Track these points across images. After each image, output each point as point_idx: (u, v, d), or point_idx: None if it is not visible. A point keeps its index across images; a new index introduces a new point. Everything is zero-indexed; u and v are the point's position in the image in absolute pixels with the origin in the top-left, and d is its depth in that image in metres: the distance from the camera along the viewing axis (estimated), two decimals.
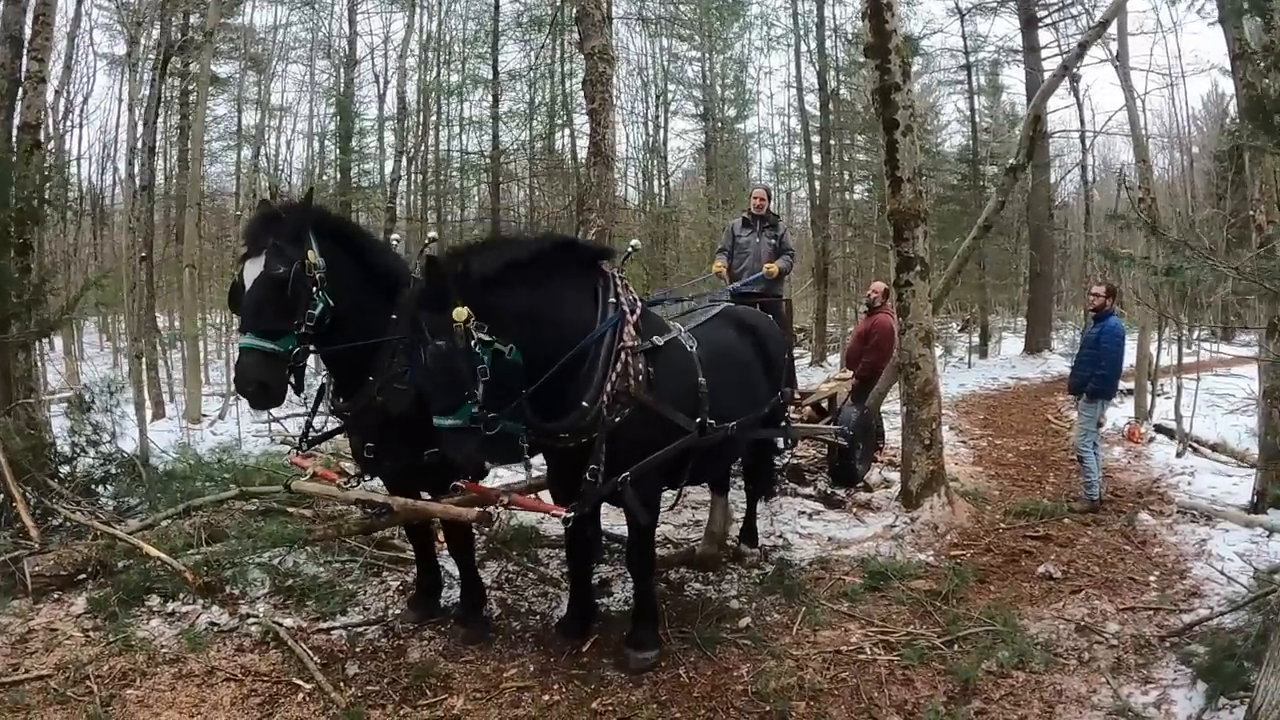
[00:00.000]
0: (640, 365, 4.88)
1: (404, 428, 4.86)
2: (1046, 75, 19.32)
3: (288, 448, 6.57)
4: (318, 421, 5.79)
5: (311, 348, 4.80)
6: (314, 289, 4.68)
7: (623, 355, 4.81)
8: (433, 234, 5.95)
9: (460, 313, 4.20)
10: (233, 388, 4.89)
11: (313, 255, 4.69)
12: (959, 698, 4.86)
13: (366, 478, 5.42)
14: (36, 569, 5.84)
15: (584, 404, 4.70)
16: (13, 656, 5.07)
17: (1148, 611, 6.02)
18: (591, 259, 5.16)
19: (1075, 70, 17.02)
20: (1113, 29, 13.67)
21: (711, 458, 5.68)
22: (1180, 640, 5.42)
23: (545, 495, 5.72)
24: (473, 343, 4.26)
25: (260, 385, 4.54)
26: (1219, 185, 21.57)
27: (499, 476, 6.81)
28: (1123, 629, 5.68)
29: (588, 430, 4.75)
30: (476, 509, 4.91)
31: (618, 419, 4.76)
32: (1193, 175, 27.68)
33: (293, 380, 4.76)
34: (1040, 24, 24.86)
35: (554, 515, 4.94)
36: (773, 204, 9.87)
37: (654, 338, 5.05)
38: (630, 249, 6.05)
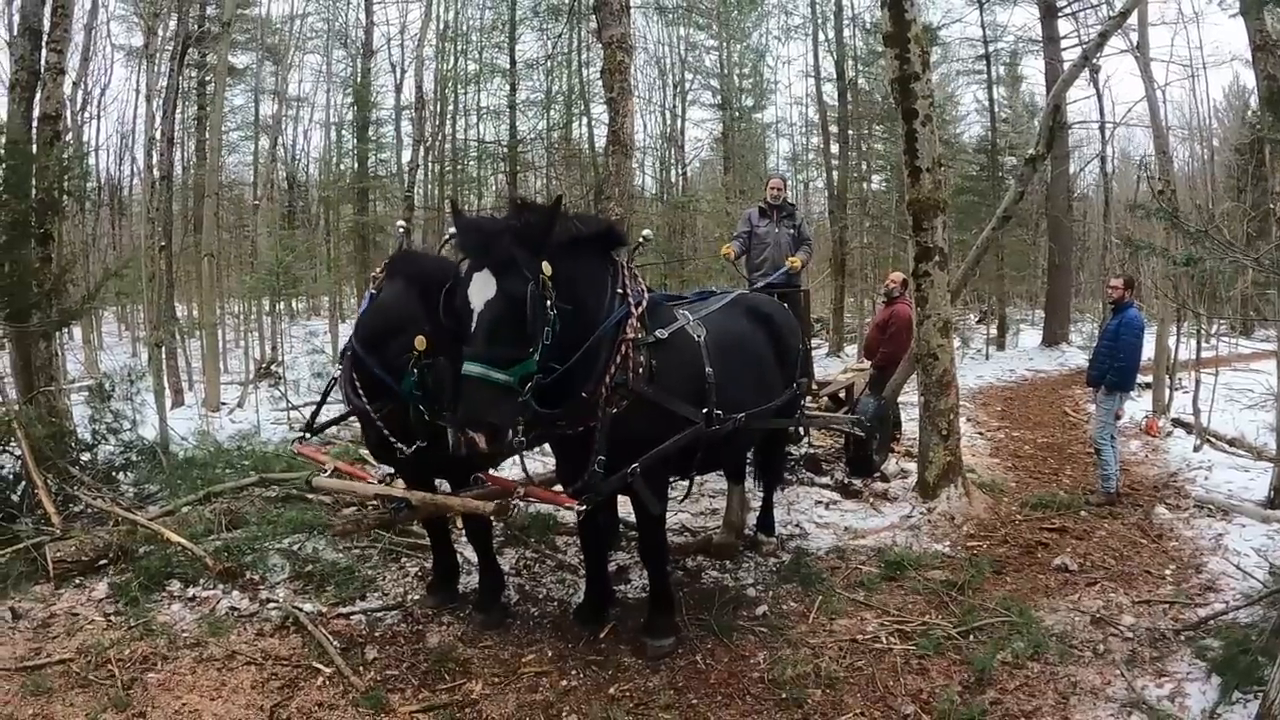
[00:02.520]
0: (642, 358, 4.83)
1: (430, 421, 4.86)
2: (1066, 65, 19.17)
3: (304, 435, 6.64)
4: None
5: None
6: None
7: (623, 348, 4.75)
8: (452, 229, 5.94)
9: (547, 267, 4.21)
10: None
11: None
12: (974, 688, 4.86)
13: (395, 474, 5.43)
14: (58, 554, 5.89)
15: (583, 395, 4.66)
16: (35, 641, 5.12)
17: (1163, 605, 6.01)
18: (611, 245, 5.11)
19: (1095, 60, 16.89)
20: (1133, 19, 13.58)
21: (723, 447, 5.63)
22: (1195, 634, 5.41)
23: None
24: (548, 303, 4.25)
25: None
26: (1239, 178, 21.43)
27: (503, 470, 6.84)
28: (1138, 622, 5.68)
29: (585, 420, 4.72)
30: (494, 503, 4.92)
31: (615, 410, 4.71)
32: (1213, 168, 27.50)
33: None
34: (1060, 14, 24.64)
35: (566, 508, 4.94)
36: (789, 193, 9.85)
37: (658, 330, 4.99)
38: (641, 239, 6.02)
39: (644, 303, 5.01)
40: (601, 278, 4.89)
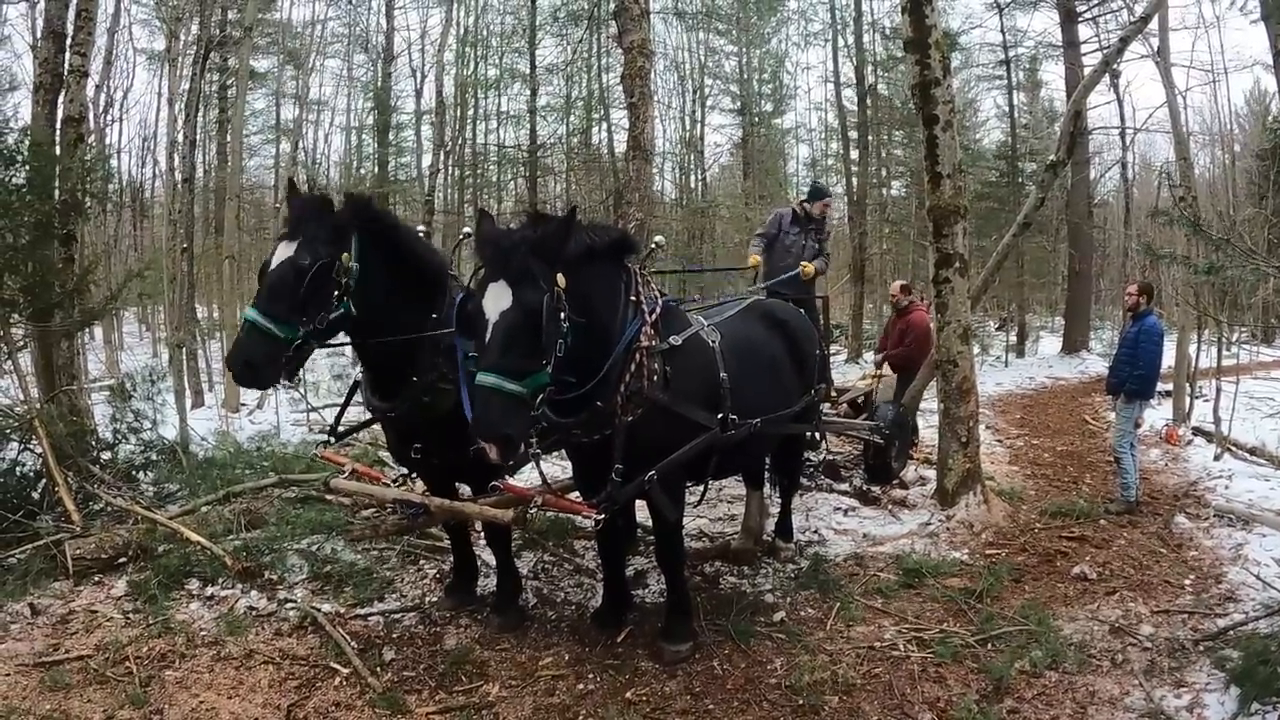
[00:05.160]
0: (656, 365, 4.81)
1: (450, 426, 4.88)
2: (1086, 71, 19.16)
3: (325, 437, 6.66)
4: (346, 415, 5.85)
5: (315, 341, 4.70)
6: (336, 293, 4.63)
7: (638, 356, 4.75)
8: (467, 229, 5.97)
9: (561, 279, 4.20)
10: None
11: (347, 256, 4.66)
12: (991, 696, 4.84)
13: (412, 476, 5.44)
14: (78, 552, 5.91)
15: (598, 404, 4.65)
16: (54, 637, 5.14)
17: (1182, 615, 5.97)
18: (625, 254, 5.06)
19: (1115, 66, 16.80)
20: (1154, 24, 13.52)
21: (738, 452, 5.62)
22: (1214, 644, 5.36)
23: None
24: (563, 315, 4.24)
25: (248, 364, 4.47)
26: (1260, 184, 21.29)
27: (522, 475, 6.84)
28: (1157, 632, 5.64)
29: (601, 428, 4.72)
30: (512, 510, 4.93)
31: (631, 418, 4.70)
32: (1234, 173, 27.32)
33: (286, 369, 4.65)
34: (1080, 19, 24.58)
35: (585, 516, 4.94)
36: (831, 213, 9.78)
37: (671, 337, 4.96)
38: (654, 245, 6.01)
39: (658, 309, 5.01)
40: (615, 288, 4.86)
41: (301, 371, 4.85)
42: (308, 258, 4.52)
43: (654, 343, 4.83)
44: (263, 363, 4.48)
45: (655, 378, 4.78)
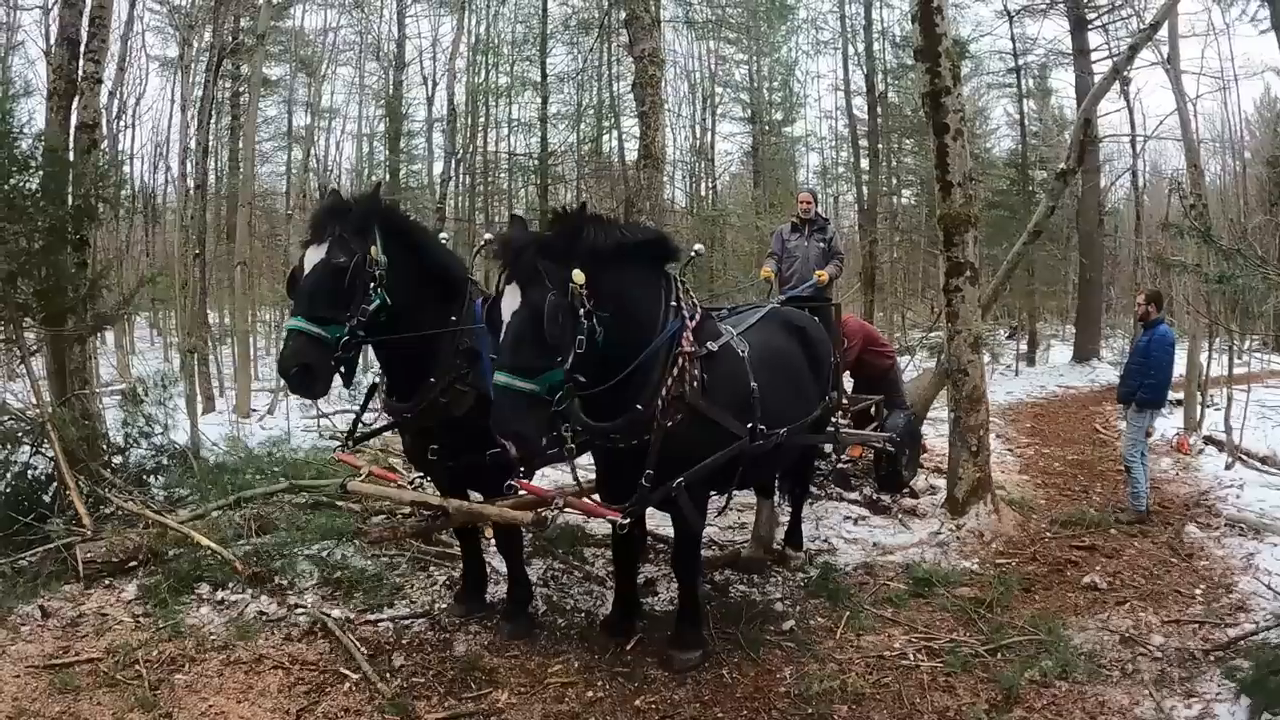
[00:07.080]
0: (696, 371, 4.83)
1: (468, 428, 4.90)
2: (1096, 78, 19.11)
3: (335, 443, 6.70)
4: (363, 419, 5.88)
5: (361, 334, 4.80)
6: (372, 284, 4.74)
7: (680, 360, 4.77)
8: (488, 235, 6.01)
9: (579, 276, 4.23)
10: (278, 375, 4.93)
11: (375, 250, 4.77)
12: (1001, 706, 4.82)
13: (426, 479, 5.46)
14: (88, 555, 5.94)
15: (638, 407, 4.66)
16: (64, 640, 5.17)
17: (1193, 625, 5.94)
18: (665, 259, 5.09)
19: (1125, 73, 16.78)
20: (1163, 31, 13.51)
21: (763, 462, 5.63)
22: (1225, 654, 5.34)
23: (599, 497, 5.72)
24: (582, 312, 4.28)
25: (304, 368, 4.58)
26: (1272, 191, 21.18)
27: (545, 476, 6.84)
28: (1167, 642, 5.61)
29: (639, 433, 4.72)
30: (531, 512, 4.93)
31: (670, 423, 4.71)
32: (1245, 181, 27.22)
33: (342, 371, 4.81)
34: (1090, 26, 24.52)
35: (609, 520, 4.94)
36: (820, 207, 9.80)
37: (709, 344, 4.98)
38: (694, 253, 6.01)
39: (698, 316, 5.03)
40: (652, 288, 4.89)
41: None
42: (341, 256, 4.67)
43: (695, 348, 4.86)
44: (316, 365, 4.62)
45: (695, 384, 4.81)
